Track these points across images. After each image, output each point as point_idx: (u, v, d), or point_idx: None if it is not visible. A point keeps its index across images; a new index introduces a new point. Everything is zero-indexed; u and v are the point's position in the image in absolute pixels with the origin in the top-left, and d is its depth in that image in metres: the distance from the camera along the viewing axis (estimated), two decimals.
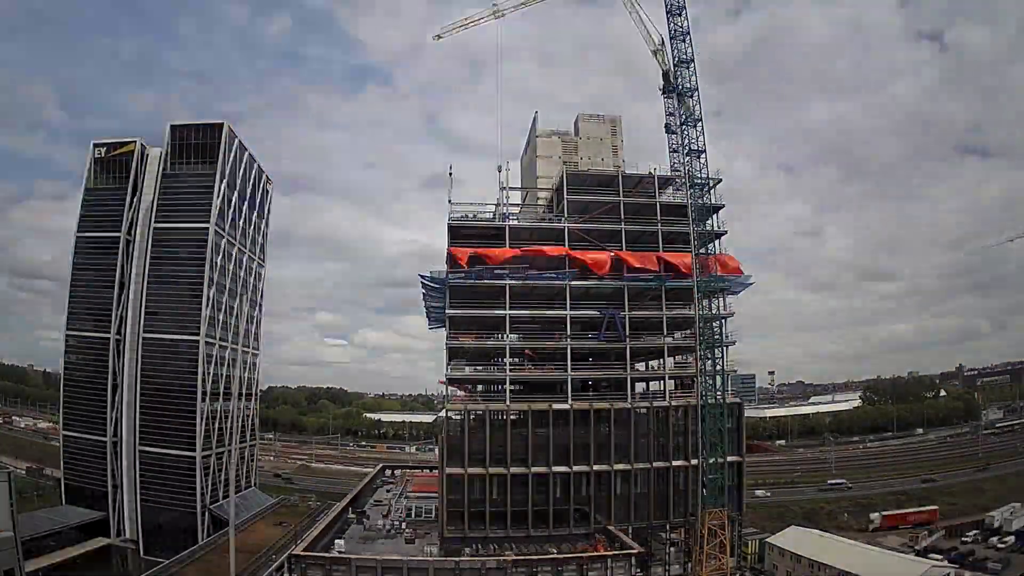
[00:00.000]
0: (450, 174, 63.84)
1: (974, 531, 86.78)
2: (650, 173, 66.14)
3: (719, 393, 56.68)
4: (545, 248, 62.16)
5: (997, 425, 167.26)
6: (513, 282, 61.57)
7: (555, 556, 50.91)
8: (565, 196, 64.61)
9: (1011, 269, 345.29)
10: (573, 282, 62.45)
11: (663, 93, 59.67)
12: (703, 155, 57.95)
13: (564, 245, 62.72)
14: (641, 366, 73.85)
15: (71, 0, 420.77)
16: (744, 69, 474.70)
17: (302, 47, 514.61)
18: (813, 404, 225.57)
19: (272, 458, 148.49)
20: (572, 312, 62.32)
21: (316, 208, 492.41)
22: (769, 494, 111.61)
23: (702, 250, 58.76)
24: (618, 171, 67.60)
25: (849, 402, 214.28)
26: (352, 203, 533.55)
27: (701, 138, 57.73)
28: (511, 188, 69.51)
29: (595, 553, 51.72)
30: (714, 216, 64.16)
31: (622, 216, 64.86)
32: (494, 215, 66.88)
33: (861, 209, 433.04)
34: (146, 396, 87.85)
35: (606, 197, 64.97)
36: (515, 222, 65.46)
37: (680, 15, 55.99)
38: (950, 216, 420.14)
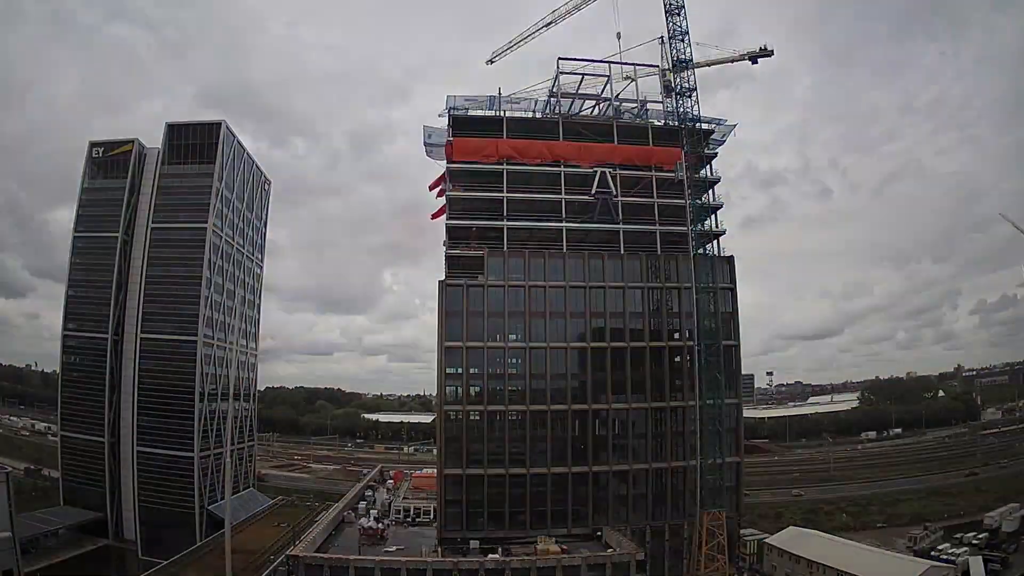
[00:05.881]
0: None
1: (972, 531, 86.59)
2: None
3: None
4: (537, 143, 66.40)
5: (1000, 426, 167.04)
6: (512, 283, 61.69)
7: (553, 556, 50.89)
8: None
9: None
10: (572, 283, 62.59)
11: (663, 94, 59.90)
12: None
13: (558, 138, 66.74)
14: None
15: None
16: None
17: None
18: (812, 404, 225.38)
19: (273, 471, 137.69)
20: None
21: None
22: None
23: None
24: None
25: (847, 403, 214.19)
26: None
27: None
28: None
29: (593, 553, 51.72)
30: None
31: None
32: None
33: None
34: (144, 396, 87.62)
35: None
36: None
37: (679, 15, 56.10)
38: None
